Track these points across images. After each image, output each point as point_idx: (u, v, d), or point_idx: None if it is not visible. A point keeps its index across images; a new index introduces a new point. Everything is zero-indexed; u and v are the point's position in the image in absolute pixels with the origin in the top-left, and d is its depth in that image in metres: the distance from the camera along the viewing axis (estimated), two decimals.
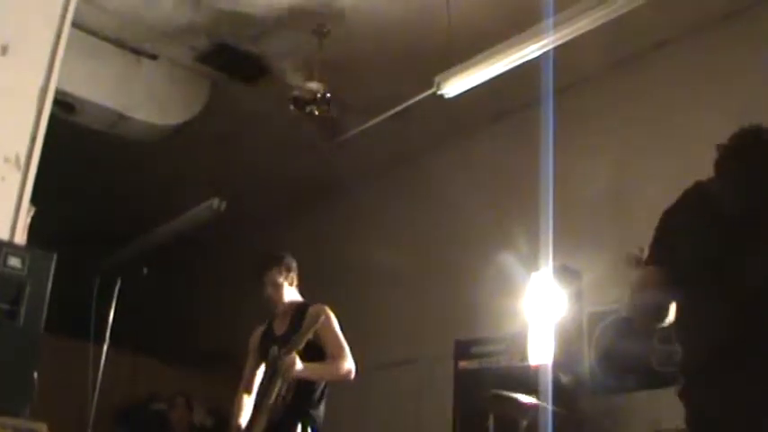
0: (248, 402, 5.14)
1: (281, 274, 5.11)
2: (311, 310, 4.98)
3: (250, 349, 5.25)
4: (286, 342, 4.85)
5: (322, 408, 4.93)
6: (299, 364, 4.65)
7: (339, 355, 4.86)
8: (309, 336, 4.73)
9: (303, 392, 4.81)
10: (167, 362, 10.19)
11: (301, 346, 4.71)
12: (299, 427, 4.75)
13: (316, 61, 7.00)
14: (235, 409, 5.13)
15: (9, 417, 3.21)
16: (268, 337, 5.14)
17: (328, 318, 4.91)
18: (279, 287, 5.10)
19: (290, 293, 5.15)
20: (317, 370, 4.81)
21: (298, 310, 5.05)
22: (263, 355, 5.13)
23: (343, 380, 4.89)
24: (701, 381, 2.87)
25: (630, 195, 6.76)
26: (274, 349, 4.99)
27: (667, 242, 3.18)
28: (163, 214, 10.12)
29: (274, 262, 5.14)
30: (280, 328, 5.10)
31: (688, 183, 6.40)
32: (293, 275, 5.17)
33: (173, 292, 11.44)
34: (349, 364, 4.86)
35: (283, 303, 5.11)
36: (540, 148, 6.63)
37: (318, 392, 4.93)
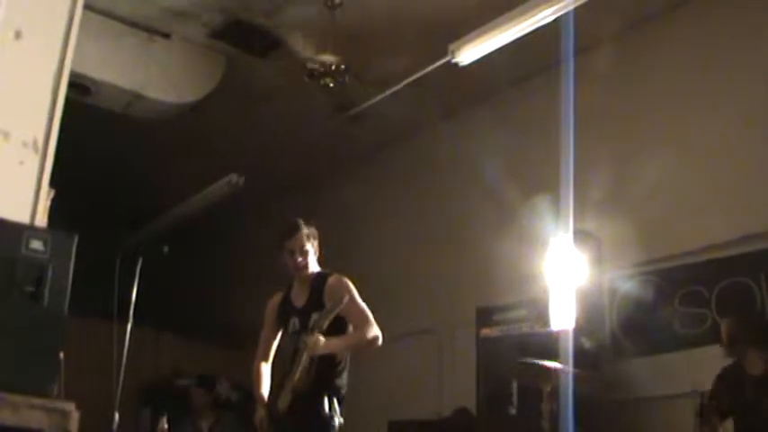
0: (266, 370, 5.17)
1: (309, 240, 5.06)
2: (330, 281, 4.97)
3: (266, 318, 5.25)
4: (307, 315, 4.86)
5: (345, 377, 4.94)
6: (321, 343, 4.65)
7: (364, 324, 4.83)
8: (333, 315, 4.73)
9: (326, 363, 4.81)
10: (191, 338, 10.28)
11: (325, 327, 4.71)
12: (325, 398, 4.79)
13: (329, 33, 6.98)
14: (255, 378, 5.15)
15: (37, 397, 3.25)
16: (286, 308, 5.12)
17: (350, 293, 4.88)
18: (307, 253, 5.04)
19: (315, 263, 5.10)
20: (341, 344, 4.80)
21: (316, 280, 5.02)
22: (281, 326, 5.14)
23: (371, 347, 4.85)
24: None
25: (649, 157, 6.73)
26: (295, 322, 5.00)
27: None
28: (182, 192, 10.16)
29: (304, 228, 5.08)
30: (298, 298, 5.07)
31: (707, 142, 6.41)
32: (317, 244, 5.11)
33: (195, 268, 11.50)
34: (374, 331, 4.82)
35: (306, 272, 5.04)
36: (560, 112, 6.60)
37: (341, 362, 4.94)
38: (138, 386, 8.86)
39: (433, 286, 8.37)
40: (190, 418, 7.86)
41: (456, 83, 7.72)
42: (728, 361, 5.07)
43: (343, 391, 4.91)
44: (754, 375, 4.82)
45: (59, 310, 3.47)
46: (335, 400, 4.82)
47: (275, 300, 5.25)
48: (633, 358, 6.50)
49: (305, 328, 4.85)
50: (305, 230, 5.06)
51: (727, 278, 6.07)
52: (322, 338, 4.66)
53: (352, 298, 4.86)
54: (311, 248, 5.07)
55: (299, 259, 5.01)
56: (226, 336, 10.14)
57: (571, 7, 6.14)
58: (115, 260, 5.14)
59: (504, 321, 7.28)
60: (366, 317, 4.87)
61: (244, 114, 8.88)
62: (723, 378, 5.01)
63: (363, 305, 4.92)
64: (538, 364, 5.56)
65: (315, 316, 4.80)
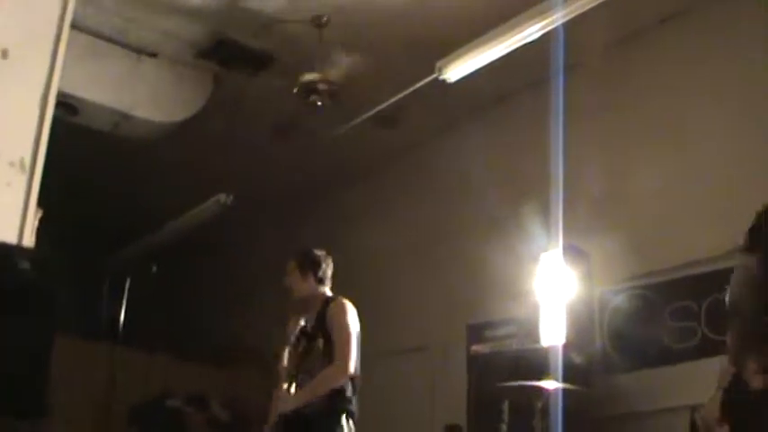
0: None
1: (297, 266, 5.33)
2: (331, 307, 5.17)
3: (286, 340, 5.42)
4: (313, 337, 5.11)
5: (355, 401, 5.08)
6: (290, 402, 4.94)
7: (338, 359, 4.98)
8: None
9: (336, 393, 4.98)
10: (181, 358, 10.22)
11: (321, 348, 4.99)
12: (343, 417, 4.96)
13: (316, 51, 7.00)
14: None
15: (26, 419, 3.23)
16: (301, 328, 5.34)
17: (340, 321, 5.07)
18: (296, 281, 5.31)
19: (313, 287, 5.30)
20: (307, 394, 4.97)
21: (323, 305, 5.22)
22: (294, 346, 5.32)
23: (339, 383, 4.99)
24: None
25: (638, 173, 6.75)
26: (303, 342, 5.22)
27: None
28: (171, 211, 10.14)
29: (293, 255, 5.39)
30: (309, 320, 5.29)
31: (695, 158, 6.42)
32: (319, 270, 5.33)
33: (183, 288, 11.46)
34: (342, 372, 4.97)
35: (305, 296, 5.29)
36: (549, 127, 6.62)
37: (350, 389, 5.06)
38: (127, 406, 8.80)
39: (423, 303, 8.36)
40: None
41: (445, 99, 7.73)
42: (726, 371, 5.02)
43: (356, 416, 5.06)
44: (755, 389, 4.77)
45: (48, 331, 3.44)
46: (351, 422, 4.99)
47: (293, 322, 5.44)
48: (624, 373, 6.49)
49: (308, 350, 5.11)
50: (295, 258, 5.38)
51: (716, 292, 6.05)
52: (291, 400, 4.96)
53: (338, 327, 5.05)
54: (301, 275, 5.32)
55: (288, 285, 5.34)
56: (216, 355, 10.09)
57: (558, 23, 6.17)
58: (103, 280, 5.14)
59: (495, 338, 7.28)
60: (341, 353, 4.99)
61: (232, 133, 8.88)
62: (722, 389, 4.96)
63: (348, 336, 5.04)
64: (528, 386, 5.55)
65: (320, 341, 5.04)
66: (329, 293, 5.33)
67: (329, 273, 5.38)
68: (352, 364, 4.97)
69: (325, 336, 5.05)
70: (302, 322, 5.34)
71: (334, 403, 4.93)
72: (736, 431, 4.68)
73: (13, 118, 4.20)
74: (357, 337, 5.08)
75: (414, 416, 7.85)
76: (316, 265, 5.34)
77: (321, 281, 5.33)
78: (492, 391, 6.38)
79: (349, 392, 5.02)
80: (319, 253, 5.40)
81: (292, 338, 5.33)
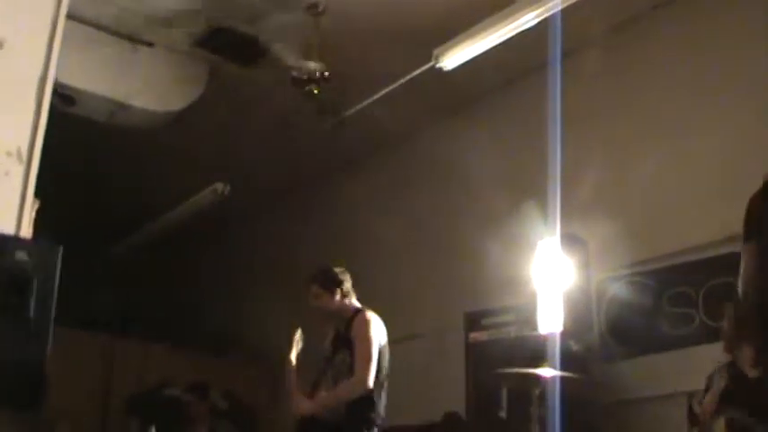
0: None
1: (321, 287, 5.62)
2: (354, 321, 5.51)
3: (295, 346, 5.73)
4: (338, 348, 5.48)
5: (377, 410, 5.39)
6: (308, 407, 5.26)
7: (357, 371, 5.30)
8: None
9: (362, 401, 5.27)
10: (179, 348, 10.23)
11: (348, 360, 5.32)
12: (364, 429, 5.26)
13: (313, 40, 6.98)
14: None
15: (24, 411, 3.23)
16: (333, 338, 5.66)
17: (359, 336, 5.40)
18: (319, 298, 5.61)
19: (340, 302, 5.63)
20: (325, 402, 5.32)
21: (350, 317, 5.55)
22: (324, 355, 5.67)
23: (356, 395, 5.29)
24: None
25: (636, 160, 6.74)
26: (330, 352, 5.58)
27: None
28: (168, 201, 10.13)
29: (313, 277, 5.67)
30: (338, 331, 5.62)
31: (692, 143, 6.41)
32: (342, 286, 5.65)
33: (181, 278, 11.45)
34: (359, 384, 5.27)
35: (334, 311, 5.61)
36: (546, 115, 6.60)
37: (374, 398, 5.37)
38: (125, 396, 8.80)
39: (421, 291, 8.37)
40: (181, 428, 7.81)
41: (443, 87, 7.73)
42: (722, 359, 5.02)
43: (379, 421, 5.37)
44: (750, 377, 4.76)
45: (45, 322, 3.44)
46: (376, 430, 5.30)
47: (330, 336, 5.76)
48: (621, 360, 6.50)
49: (334, 360, 5.47)
50: (314, 279, 5.67)
51: (714, 278, 6.07)
52: (307, 404, 5.30)
53: (359, 341, 5.39)
54: (326, 292, 5.64)
55: (312, 304, 5.64)
56: (215, 344, 10.10)
57: (556, 10, 6.16)
58: (102, 270, 5.13)
59: (493, 326, 7.29)
60: (361, 367, 5.30)
61: (229, 122, 8.86)
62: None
63: (368, 351, 5.36)
64: (524, 373, 5.56)
65: (345, 352, 5.40)
66: (357, 305, 5.65)
67: (349, 286, 5.69)
68: (371, 378, 5.26)
69: (349, 347, 5.37)
70: (336, 333, 5.63)
71: (358, 412, 5.09)
72: (734, 422, 4.69)
73: (9, 108, 4.19)
74: (379, 349, 5.41)
75: (412, 403, 7.85)
76: (338, 282, 5.64)
77: (346, 295, 5.64)
78: (490, 379, 6.39)
79: (372, 401, 5.31)
80: (338, 270, 5.70)
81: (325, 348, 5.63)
